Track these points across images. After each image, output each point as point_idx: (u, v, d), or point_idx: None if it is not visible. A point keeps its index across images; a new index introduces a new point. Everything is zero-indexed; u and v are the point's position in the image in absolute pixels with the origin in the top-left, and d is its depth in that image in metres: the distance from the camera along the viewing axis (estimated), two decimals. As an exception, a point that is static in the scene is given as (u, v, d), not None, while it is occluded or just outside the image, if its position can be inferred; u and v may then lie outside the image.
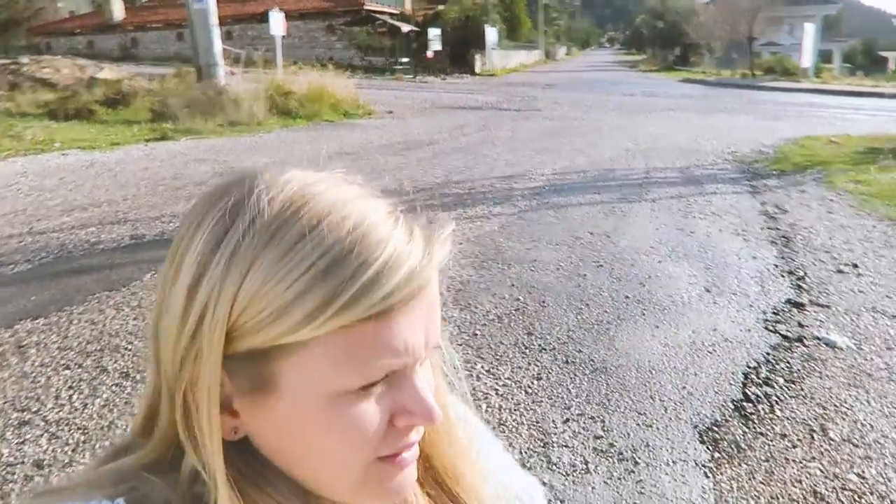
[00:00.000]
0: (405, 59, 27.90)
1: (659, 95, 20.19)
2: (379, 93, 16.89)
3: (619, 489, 2.09)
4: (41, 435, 2.33)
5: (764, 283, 4.09)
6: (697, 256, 4.58)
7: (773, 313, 3.57)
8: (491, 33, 32.13)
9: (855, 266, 4.43)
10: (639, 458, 2.24)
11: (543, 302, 3.68)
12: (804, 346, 3.17)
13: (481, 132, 11.09)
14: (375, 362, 0.43)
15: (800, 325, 3.42)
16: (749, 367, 2.90)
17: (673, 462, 2.20)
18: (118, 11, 35.26)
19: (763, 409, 2.58)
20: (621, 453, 2.27)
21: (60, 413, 2.47)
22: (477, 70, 31.29)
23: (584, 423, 2.48)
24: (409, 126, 11.85)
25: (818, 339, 3.23)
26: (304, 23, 30.03)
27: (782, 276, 4.24)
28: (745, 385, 2.75)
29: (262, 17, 17.98)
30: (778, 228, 5.46)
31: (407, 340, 0.44)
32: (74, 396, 2.59)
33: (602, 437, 2.38)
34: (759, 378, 2.82)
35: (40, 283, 3.82)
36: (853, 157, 8.76)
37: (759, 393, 2.69)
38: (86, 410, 2.49)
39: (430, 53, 27.69)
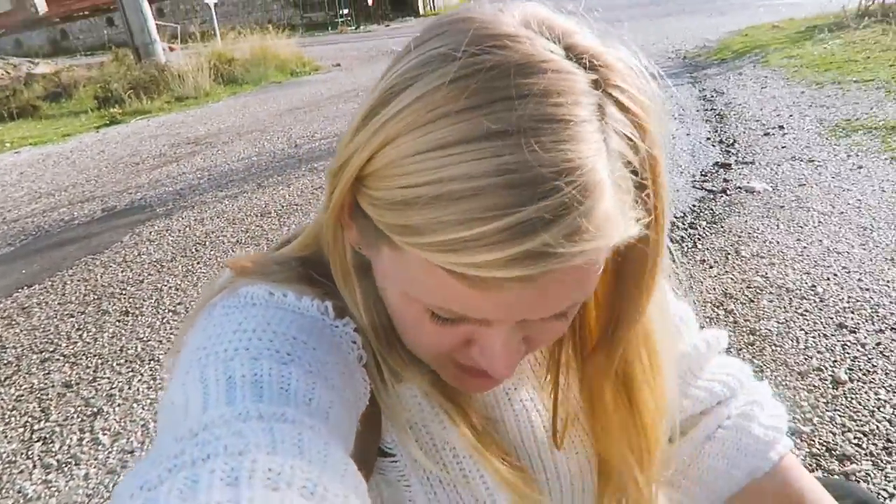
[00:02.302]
0: (345, 11, 27.36)
1: (601, 8, 20.15)
2: (323, 48, 16.75)
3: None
4: (63, 365, 2.63)
5: (696, 153, 4.44)
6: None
7: (702, 175, 3.94)
8: (428, -29, 31.56)
9: (781, 128, 4.79)
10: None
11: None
12: (727, 195, 3.55)
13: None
14: (458, 311, 0.41)
15: (725, 180, 3.80)
16: (676, 218, 3.27)
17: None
18: (41, 4, 33.80)
19: (687, 245, 2.97)
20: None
21: (75, 348, 2.77)
22: (421, 12, 30.82)
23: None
24: (358, 76, 11.89)
25: (739, 187, 3.61)
26: (236, -13, 29.18)
27: (713, 145, 4.60)
28: (671, 230, 3.11)
29: (191, -11, 17.63)
30: (713, 109, 5.79)
31: (468, 308, 0.40)
32: (85, 334, 2.89)
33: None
34: (684, 224, 3.20)
35: (26, 258, 4.05)
36: (792, 37, 9.00)
37: (683, 234, 3.07)
38: (97, 343, 2.80)
39: (369, 1, 27.16)
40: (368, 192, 0.40)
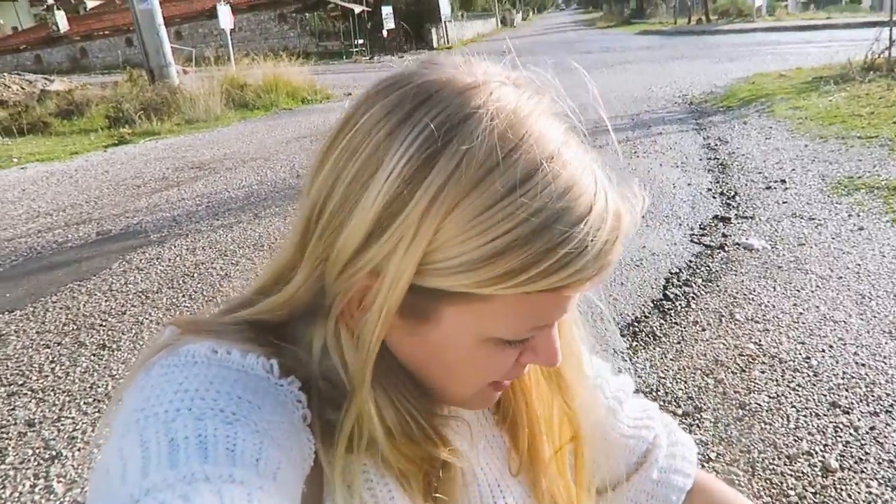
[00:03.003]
0: (360, 41, 27.78)
1: (615, 50, 20.31)
2: (336, 77, 16.93)
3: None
4: (29, 401, 2.56)
5: (696, 204, 4.38)
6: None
7: (700, 228, 3.87)
8: (444, 5, 32.05)
9: (783, 181, 4.73)
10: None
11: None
12: (724, 251, 3.47)
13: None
14: (538, 325, 0.47)
15: (723, 235, 3.73)
16: (671, 274, 3.19)
17: (594, 353, 2.48)
18: (62, 22, 34.57)
19: (680, 304, 2.88)
20: (549, 351, 2.55)
21: (45, 382, 2.69)
22: (434, 44, 31.26)
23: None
24: (366, 105, 11.96)
25: (738, 244, 3.54)
26: (255, 14, 29.71)
27: (714, 197, 4.54)
28: (665, 287, 3.04)
29: (212, 13, 17.90)
30: (717, 158, 5.75)
31: (571, 308, 0.47)
32: (57, 368, 2.81)
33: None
34: (679, 281, 3.12)
35: (13, 281, 4.00)
36: (798, 87, 9.03)
37: (677, 292, 2.99)
38: (68, 378, 2.72)
39: (385, 32, 27.58)
40: (434, 266, 0.42)
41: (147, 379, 0.44)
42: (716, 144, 6.28)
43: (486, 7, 53.84)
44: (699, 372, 2.35)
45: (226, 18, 15.62)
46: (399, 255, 0.42)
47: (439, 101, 0.42)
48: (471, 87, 0.43)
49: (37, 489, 2.02)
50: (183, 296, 3.53)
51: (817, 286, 2.96)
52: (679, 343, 2.55)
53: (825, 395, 2.15)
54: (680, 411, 2.12)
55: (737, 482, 1.77)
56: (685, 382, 2.27)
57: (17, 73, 15.20)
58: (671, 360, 2.42)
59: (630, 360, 2.45)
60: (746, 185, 4.78)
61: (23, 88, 13.27)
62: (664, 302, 2.90)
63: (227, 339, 0.48)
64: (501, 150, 0.40)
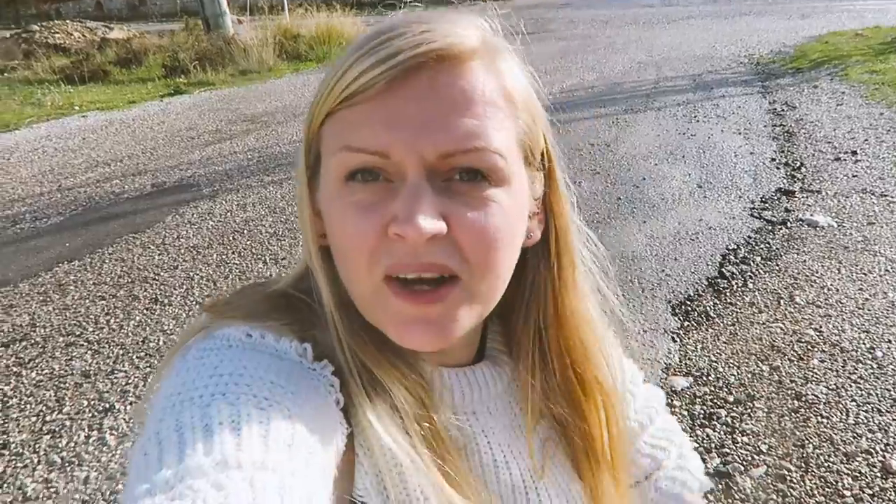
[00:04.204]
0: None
1: (679, 4, 19.41)
2: (388, 28, 16.66)
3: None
4: (85, 352, 2.65)
5: (758, 175, 4.17)
6: (694, 157, 4.66)
7: (762, 201, 3.69)
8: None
9: (854, 153, 4.46)
10: (611, 332, 2.46)
11: (537, 209, 3.85)
12: (786, 228, 3.30)
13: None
14: (347, 145, 0.46)
15: (786, 210, 3.54)
16: (728, 250, 3.06)
17: (643, 332, 2.42)
18: (123, -30, 35.05)
19: (736, 283, 2.76)
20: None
21: (100, 334, 2.78)
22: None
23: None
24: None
25: (801, 220, 3.36)
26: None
27: (777, 168, 4.31)
28: (721, 265, 2.92)
29: (266, -39, 17.70)
30: (783, 125, 5.45)
31: (373, 134, 0.45)
32: (112, 320, 2.90)
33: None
34: (736, 258, 2.99)
35: (72, 231, 4.13)
36: (876, 48, 8.45)
37: (734, 271, 2.86)
38: (122, 331, 2.80)
39: (438, -19, 26.96)
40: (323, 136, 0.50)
41: (183, 363, 0.46)
42: (782, 110, 5.95)
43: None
44: (753, 357, 2.25)
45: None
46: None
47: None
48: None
49: (91, 440, 2.10)
50: (233, 252, 3.58)
51: (886, 270, 2.79)
52: (733, 325, 2.45)
53: (889, 391, 2.04)
54: (731, 398, 2.05)
55: (788, 479, 1.70)
56: (738, 368, 2.18)
57: (79, 21, 15.49)
58: (724, 342, 2.33)
59: (680, 340, 2.37)
60: (814, 155, 4.52)
61: (84, 36, 13.52)
62: (719, 280, 2.79)
63: (262, 322, 0.48)
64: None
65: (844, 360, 2.20)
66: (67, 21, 15.39)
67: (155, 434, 0.39)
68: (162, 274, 3.37)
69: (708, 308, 2.58)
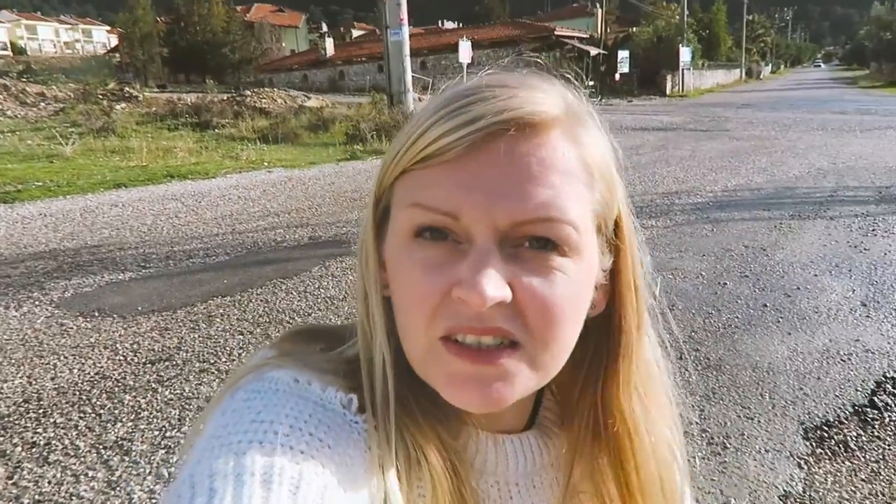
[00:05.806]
0: (591, 83, 27.87)
1: (877, 113, 17.97)
2: (557, 115, 17.06)
3: (698, 467, 2.11)
4: (214, 380, 2.88)
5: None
6: (864, 272, 4.18)
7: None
8: (685, 53, 30.93)
9: None
10: (729, 443, 2.23)
11: (672, 305, 3.65)
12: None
13: (657, 151, 10.80)
14: (419, 203, 0.46)
15: None
16: (885, 378, 2.68)
17: (765, 451, 2.16)
18: (329, 48, 39.74)
19: (890, 416, 2.39)
20: (711, 438, 2.27)
21: (230, 365, 3.02)
22: (667, 91, 30.28)
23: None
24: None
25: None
26: (494, 51, 31.27)
27: None
28: (874, 393, 2.56)
29: (455, 47, 19.12)
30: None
31: (446, 195, 0.45)
32: (243, 354, 3.14)
33: (695, 423, 2.38)
34: (894, 388, 2.60)
35: (232, 270, 4.58)
36: None
37: (889, 402, 2.49)
38: (249, 366, 3.02)
39: (617, 76, 27.38)
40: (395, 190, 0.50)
41: (230, 403, 0.46)
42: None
43: (731, 57, 50.93)
44: (898, 509, 1.92)
45: (465, 53, 16.61)
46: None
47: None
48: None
49: (195, 462, 2.25)
50: (362, 309, 3.76)
51: None
52: (877, 462, 2.11)
53: None
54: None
55: None
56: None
57: (285, 89, 17.60)
58: (862, 480, 2.01)
59: (808, 468, 2.08)
60: None
61: (286, 102, 15.31)
62: (869, 409, 2.44)
63: (312, 369, 0.49)
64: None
65: None
66: (275, 89, 17.54)
67: (189, 477, 0.40)
68: (296, 318, 3.61)
69: (849, 438, 2.25)
